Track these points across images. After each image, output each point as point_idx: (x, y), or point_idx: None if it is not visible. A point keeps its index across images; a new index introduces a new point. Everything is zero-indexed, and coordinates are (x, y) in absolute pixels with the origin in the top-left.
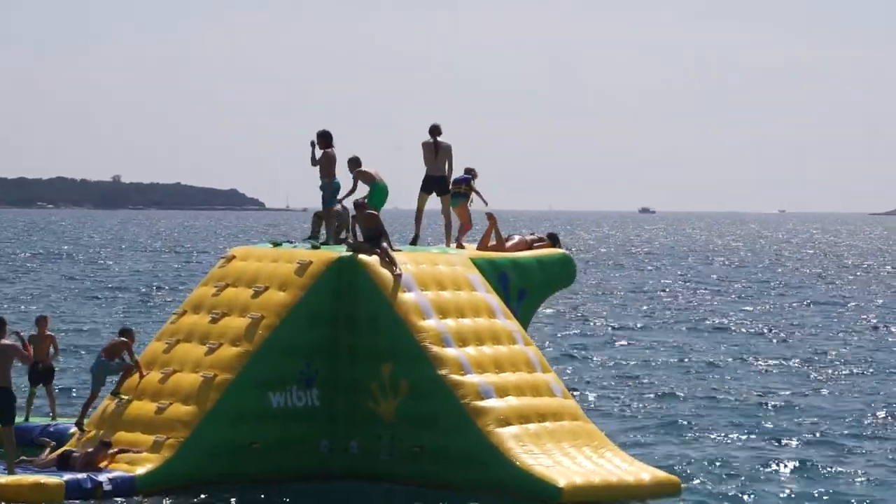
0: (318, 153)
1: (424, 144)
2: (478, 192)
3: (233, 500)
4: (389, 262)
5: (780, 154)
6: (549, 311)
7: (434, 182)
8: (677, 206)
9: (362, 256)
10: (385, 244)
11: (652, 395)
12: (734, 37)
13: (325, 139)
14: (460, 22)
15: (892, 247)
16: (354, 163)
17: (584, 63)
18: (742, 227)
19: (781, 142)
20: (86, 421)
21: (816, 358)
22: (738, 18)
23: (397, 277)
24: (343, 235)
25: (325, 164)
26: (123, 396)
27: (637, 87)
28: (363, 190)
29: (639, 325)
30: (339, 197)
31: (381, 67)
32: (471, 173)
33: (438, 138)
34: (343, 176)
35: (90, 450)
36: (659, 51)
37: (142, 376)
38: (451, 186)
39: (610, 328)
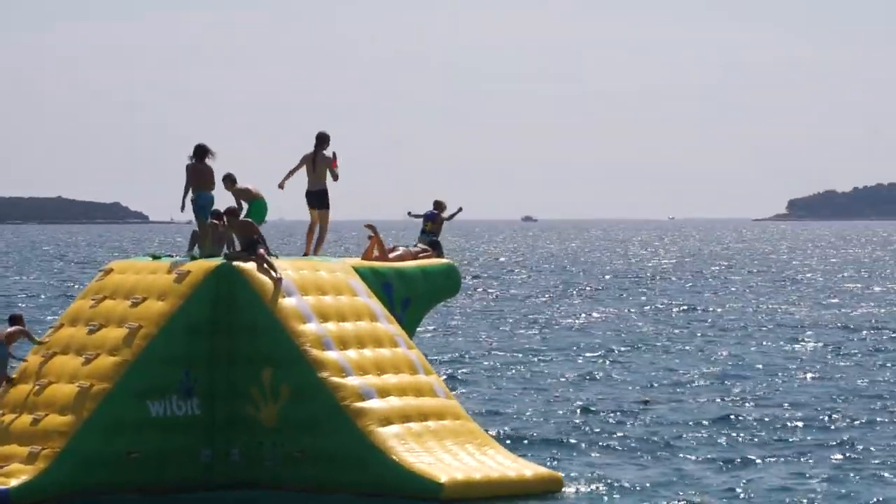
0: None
1: (304, 157)
2: (448, 219)
3: None
4: (268, 268)
5: (670, 162)
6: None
7: (313, 196)
8: (561, 215)
9: (240, 264)
10: (262, 250)
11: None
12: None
13: (201, 152)
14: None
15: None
16: (230, 180)
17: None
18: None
19: (672, 149)
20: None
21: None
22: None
23: (277, 282)
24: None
25: (200, 177)
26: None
27: (532, 93)
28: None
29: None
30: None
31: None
32: (439, 207)
33: (323, 150)
34: (218, 192)
35: None
36: (542, 53)
37: (47, 356)
38: (423, 222)
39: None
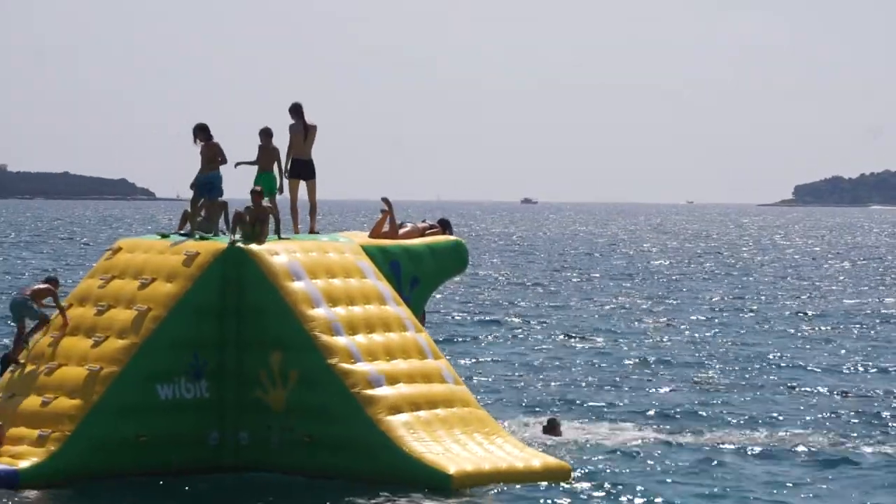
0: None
1: (291, 127)
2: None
3: (121, 494)
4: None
5: (673, 146)
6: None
7: (302, 166)
8: (561, 198)
9: (251, 246)
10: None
11: (551, 382)
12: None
13: (204, 132)
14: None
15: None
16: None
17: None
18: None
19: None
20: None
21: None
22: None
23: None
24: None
25: (211, 156)
26: (31, 349)
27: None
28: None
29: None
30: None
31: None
32: (443, 226)
33: (307, 119)
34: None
35: None
36: (541, 36)
37: (66, 325)
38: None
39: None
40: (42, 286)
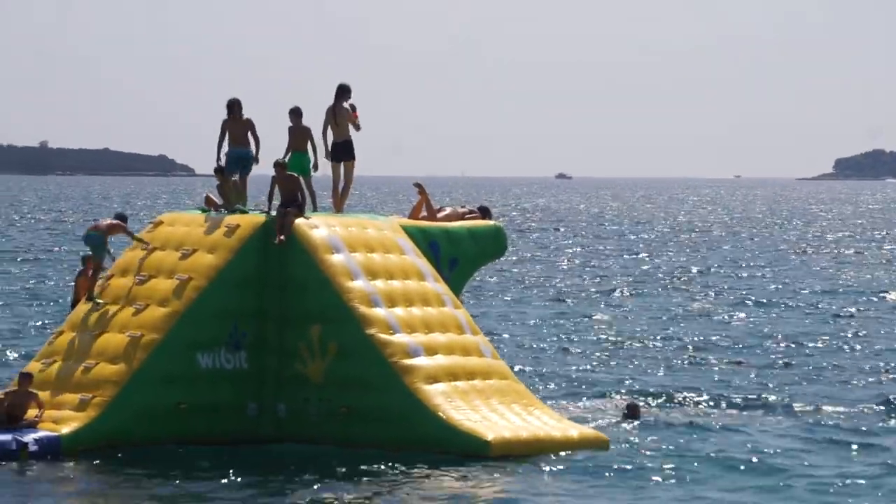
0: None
1: (326, 110)
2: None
3: (160, 460)
4: (280, 226)
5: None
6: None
7: (338, 148)
8: (596, 173)
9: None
10: (292, 209)
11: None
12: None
13: (238, 107)
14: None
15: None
16: (296, 114)
17: (497, 34)
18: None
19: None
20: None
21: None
22: None
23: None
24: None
25: (243, 133)
26: (100, 301)
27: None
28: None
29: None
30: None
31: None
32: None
33: (343, 102)
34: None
35: (11, 392)
36: (579, 17)
37: (148, 250)
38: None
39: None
40: (114, 222)
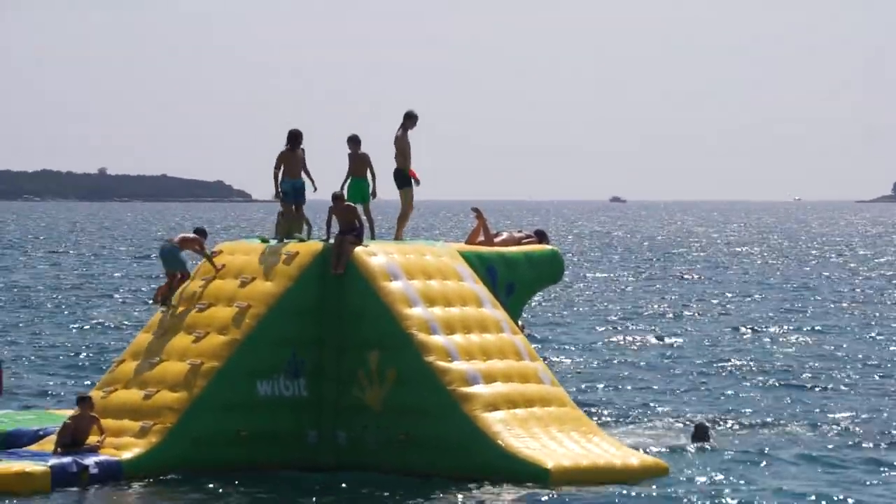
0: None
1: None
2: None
3: (220, 488)
4: (336, 255)
5: (771, 140)
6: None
7: (395, 176)
8: (651, 195)
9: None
10: (350, 237)
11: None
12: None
13: (298, 139)
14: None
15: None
16: (354, 142)
17: (542, 52)
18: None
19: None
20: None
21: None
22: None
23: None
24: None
25: (298, 165)
26: (174, 305)
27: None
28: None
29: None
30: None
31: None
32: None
33: (407, 129)
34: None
35: (76, 416)
36: (631, 34)
37: (218, 270)
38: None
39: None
40: (190, 235)
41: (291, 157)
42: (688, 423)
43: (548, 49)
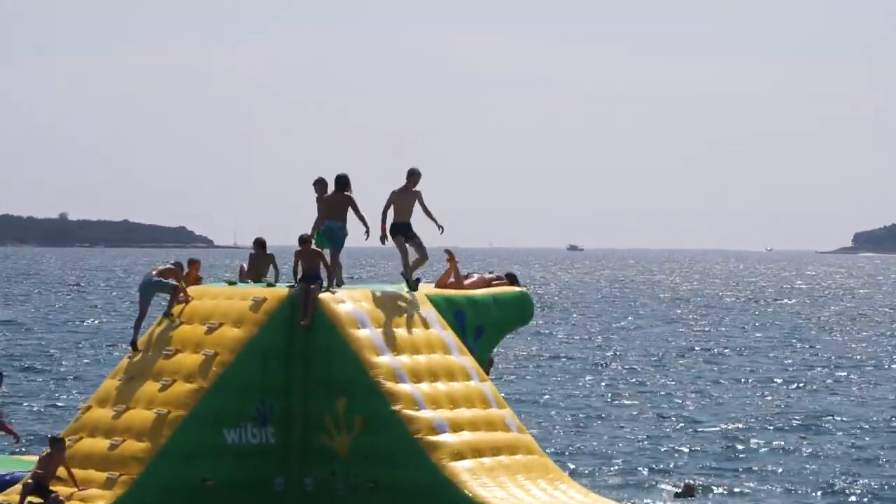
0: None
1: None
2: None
3: None
4: (304, 306)
5: (726, 191)
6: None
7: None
8: (607, 244)
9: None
10: (315, 286)
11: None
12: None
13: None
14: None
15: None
16: (321, 185)
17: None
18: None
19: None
20: (139, 339)
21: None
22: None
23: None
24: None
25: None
26: (175, 318)
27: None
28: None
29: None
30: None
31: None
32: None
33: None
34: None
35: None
36: (595, 78)
37: (187, 302)
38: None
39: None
40: (169, 266)
41: (321, 203)
42: (677, 478)
43: (510, 85)
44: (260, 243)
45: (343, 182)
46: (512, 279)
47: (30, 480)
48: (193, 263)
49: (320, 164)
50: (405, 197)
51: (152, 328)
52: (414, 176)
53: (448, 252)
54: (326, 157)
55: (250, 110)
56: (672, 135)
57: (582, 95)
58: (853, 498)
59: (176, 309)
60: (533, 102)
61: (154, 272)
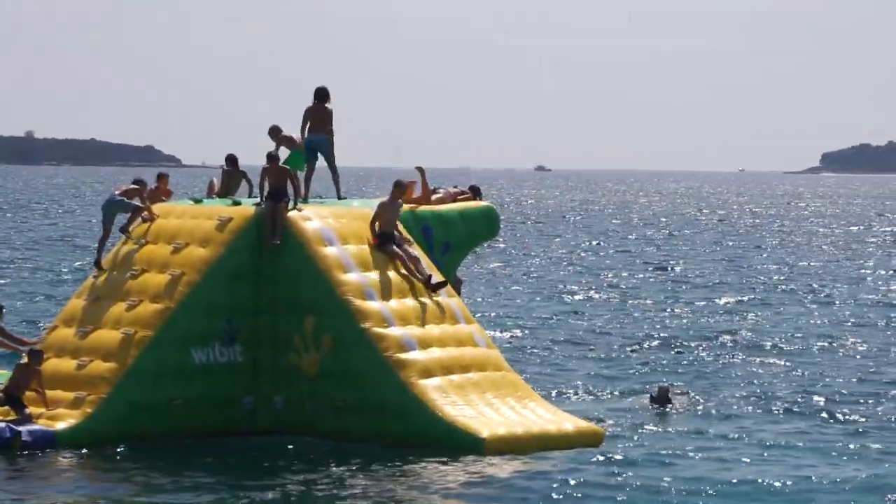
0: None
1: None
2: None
3: (155, 456)
4: (271, 224)
5: (698, 113)
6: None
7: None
8: (576, 165)
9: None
10: (282, 203)
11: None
12: None
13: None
14: None
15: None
16: (274, 132)
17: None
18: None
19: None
20: (103, 258)
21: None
22: None
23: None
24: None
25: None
26: (133, 236)
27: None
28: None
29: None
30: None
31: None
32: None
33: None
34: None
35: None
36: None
37: (152, 220)
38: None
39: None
40: (131, 186)
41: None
42: (650, 385)
43: (480, 20)
44: (232, 160)
45: (322, 94)
46: (475, 192)
47: (1, 394)
48: (162, 178)
49: (294, 85)
50: (392, 208)
51: (117, 247)
52: (399, 188)
53: (420, 168)
54: (303, 70)
55: (221, 29)
56: (648, 58)
57: (551, 20)
58: (829, 404)
59: (141, 227)
60: (509, 31)
61: (117, 191)
